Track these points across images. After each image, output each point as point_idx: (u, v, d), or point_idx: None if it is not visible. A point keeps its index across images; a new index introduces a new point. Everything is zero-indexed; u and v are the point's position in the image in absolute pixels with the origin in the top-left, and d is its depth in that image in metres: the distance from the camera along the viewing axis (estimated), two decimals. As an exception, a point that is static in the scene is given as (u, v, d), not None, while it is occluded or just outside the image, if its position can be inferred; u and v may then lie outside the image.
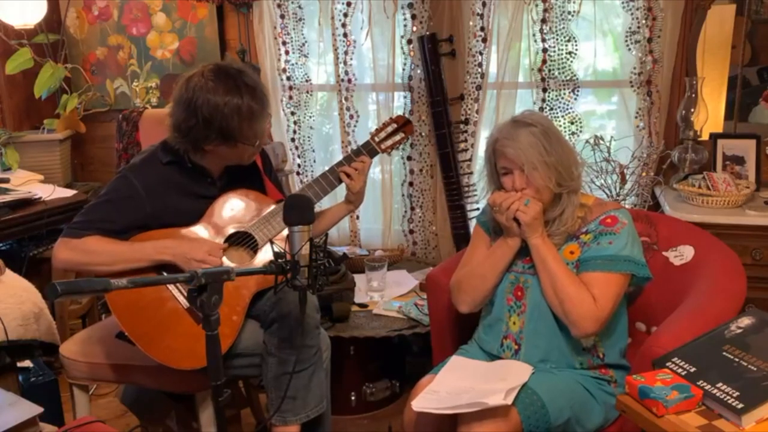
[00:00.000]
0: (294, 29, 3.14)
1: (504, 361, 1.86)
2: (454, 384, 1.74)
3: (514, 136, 1.78)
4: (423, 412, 1.69)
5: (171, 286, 1.97)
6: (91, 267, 1.93)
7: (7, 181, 2.97)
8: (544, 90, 2.94)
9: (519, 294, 1.87)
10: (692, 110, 2.72)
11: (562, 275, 1.76)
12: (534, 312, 1.83)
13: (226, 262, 2.02)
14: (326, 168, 2.20)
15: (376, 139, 2.23)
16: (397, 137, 2.25)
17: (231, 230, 2.04)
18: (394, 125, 2.25)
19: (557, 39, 2.88)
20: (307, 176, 3.25)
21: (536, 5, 2.86)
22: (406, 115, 2.35)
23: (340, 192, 2.21)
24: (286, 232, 1.76)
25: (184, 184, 2.01)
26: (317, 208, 2.18)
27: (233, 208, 2.05)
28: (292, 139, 3.25)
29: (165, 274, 1.95)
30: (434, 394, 1.71)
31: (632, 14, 2.79)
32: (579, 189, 1.86)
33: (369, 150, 2.20)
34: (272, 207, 2.08)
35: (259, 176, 2.16)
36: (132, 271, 1.91)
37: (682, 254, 2.03)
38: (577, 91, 2.93)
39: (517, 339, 1.85)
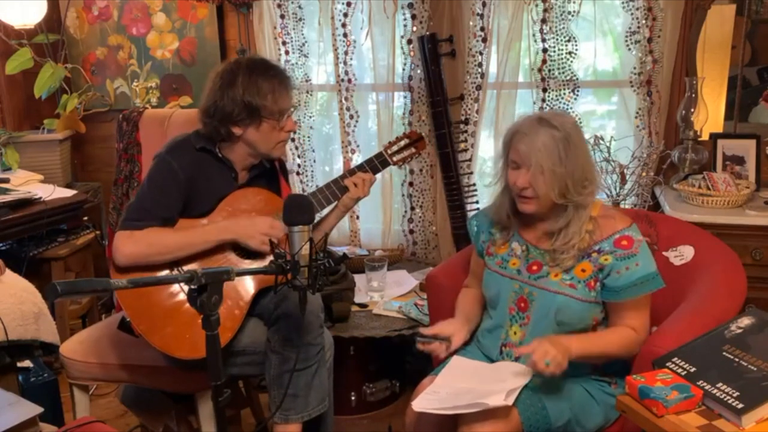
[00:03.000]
0: (294, 29, 3.13)
1: (505, 362, 1.85)
2: (454, 384, 1.74)
3: (532, 134, 1.72)
4: (424, 413, 1.69)
5: (177, 272, 1.98)
6: (156, 257, 1.95)
7: (7, 181, 2.96)
8: (544, 90, 2.94)
9: (522, 305, 1.83)
10: (692, 110, 2.72)
11: (604, 347, 1.74)
12: (537, 327, 1.80)
13: (235, 258, 2.03)
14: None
15: (389, 152, 2.27)
16: (408, 152, 2.29)
17: None
18: (407, 140, 2.30)
19: (557, 39, 2.87)
20: (307, 176, 3.24)
21: (536, 5, 2.86)
22: (418, 132, 2.38)
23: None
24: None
25: (211, 175, 2.05)
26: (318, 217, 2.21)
27: (246, 205, 2.08)
28: (292, 139, 3.24)
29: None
30: (435, 395, 1.71)
31: (632, 14, 2.79)
32: (588, 205, 1.76)
33: (381, 161, 2.24)
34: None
35: (277, 180, 2.20)
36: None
37: (682, 254, 2.03)
38: (577, 91, 2.92)
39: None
